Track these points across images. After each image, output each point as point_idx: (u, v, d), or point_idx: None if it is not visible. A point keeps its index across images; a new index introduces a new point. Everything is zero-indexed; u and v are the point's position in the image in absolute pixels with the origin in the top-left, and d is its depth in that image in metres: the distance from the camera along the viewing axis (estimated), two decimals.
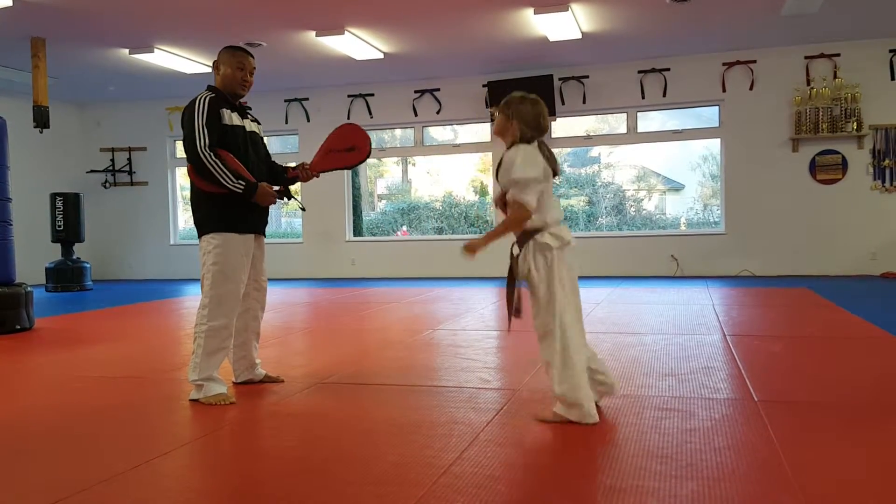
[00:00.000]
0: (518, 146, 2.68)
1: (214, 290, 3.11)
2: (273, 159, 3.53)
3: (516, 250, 2.72)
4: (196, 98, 3.17)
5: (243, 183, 3.10)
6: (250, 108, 3.45)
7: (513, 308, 2.73)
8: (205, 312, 3.12)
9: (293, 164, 3.57)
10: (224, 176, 3.07)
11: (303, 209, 3.77)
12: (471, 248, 2.68)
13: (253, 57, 3.35)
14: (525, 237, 2.69)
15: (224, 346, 3.17)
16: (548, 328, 2.64)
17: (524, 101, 2.72)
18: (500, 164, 2.73)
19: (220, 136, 3.13)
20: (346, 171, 10.41)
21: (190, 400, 3.12)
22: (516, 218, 2.64)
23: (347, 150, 3.42)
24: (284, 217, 12.31)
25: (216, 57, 3.33)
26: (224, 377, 3.22)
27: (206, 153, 3.06)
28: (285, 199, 3.43)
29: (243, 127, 3.27)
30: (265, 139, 3.55)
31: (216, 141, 3.11)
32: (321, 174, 3.52)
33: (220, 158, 3.08)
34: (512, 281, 2.73)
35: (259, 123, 3.48)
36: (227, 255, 3.14)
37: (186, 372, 3.22)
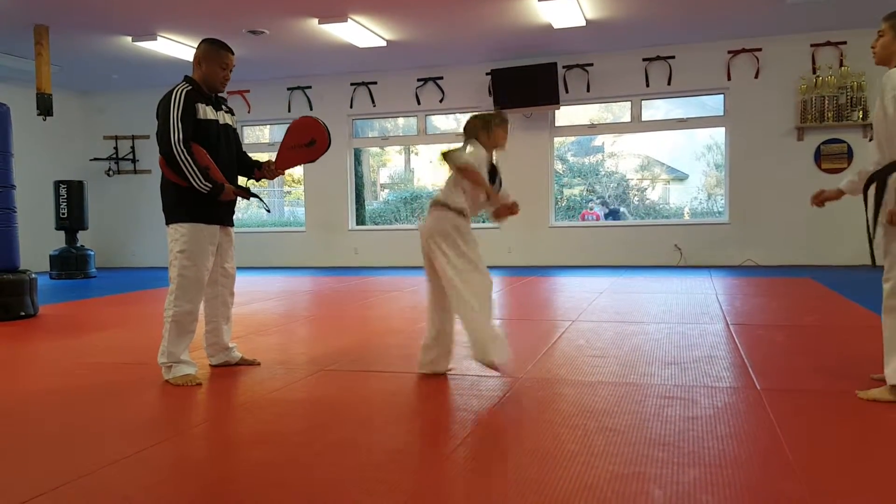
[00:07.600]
0: None
1: (180, 278, 3.23)
2: (244, 151, 3.58)
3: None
4: (172, 90, 3.20)
5: (209, 185, 3.16)
6: (226, 100, 3.49)
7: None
8: (171, 298, 3.24)
9: (261, 160, 3.61)
10: (193, 174, 3.13)
11: (267, 210, 3.83)
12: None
13: (233, 53, 3.39)
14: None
15: (190, 330, 3.29)
16: None
17: None
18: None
19: (194, 130, 3.19)
20: (348, 161, 10.43)
21: (165, 381, 3.23)
22: None
23: (308, 144, 3.43)
24: (287, 206, 12.30)
25: (197, 49, 3.33)
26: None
27: (179, 148, 3.11)
28: (249, 198, 3.44)
29: (217, 121, 3.32)
30: (237, 130, 3.59)
31: (190, 135, 3.16)
32: (286, 170, 3.57)
33: (192, 154, 3.14)
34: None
35: (233, 115, 3.52)
36: (192, 244, 3.23)
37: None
